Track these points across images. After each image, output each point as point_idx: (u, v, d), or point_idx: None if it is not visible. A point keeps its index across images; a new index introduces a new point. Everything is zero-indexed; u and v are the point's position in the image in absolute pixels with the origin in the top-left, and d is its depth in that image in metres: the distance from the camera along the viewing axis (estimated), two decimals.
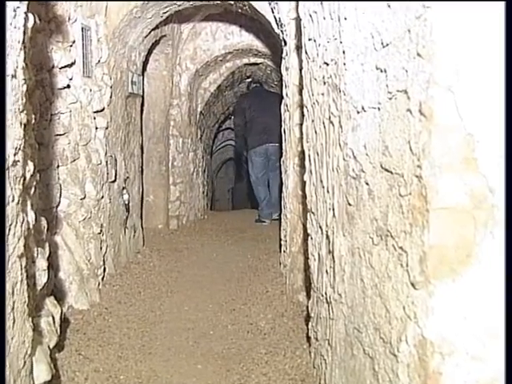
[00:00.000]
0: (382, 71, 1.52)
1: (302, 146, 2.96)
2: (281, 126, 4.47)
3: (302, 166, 3.37)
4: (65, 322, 3.32)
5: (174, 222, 6.75)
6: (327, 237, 2.29)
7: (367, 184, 1.69)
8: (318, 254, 2.54)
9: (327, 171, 2.27)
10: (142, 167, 5.61)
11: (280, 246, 4.69)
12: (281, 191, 4.54)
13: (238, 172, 12.04)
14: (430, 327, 1.27)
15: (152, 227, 6.42)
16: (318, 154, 2.48)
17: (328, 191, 2.26)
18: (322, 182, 2.40)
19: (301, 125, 3.24)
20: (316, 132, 2.50)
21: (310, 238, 2.79)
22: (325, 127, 2.30)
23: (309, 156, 2.73)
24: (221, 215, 8.50)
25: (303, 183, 3.01)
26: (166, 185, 6.66)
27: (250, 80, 8.17)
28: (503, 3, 1.19)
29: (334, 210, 2.14)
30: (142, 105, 5.79)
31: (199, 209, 7.90)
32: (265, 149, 7.31)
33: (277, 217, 7.12)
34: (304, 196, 3.05)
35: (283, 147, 4.29)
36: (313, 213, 2.68)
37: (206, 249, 5.81)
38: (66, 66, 3.65)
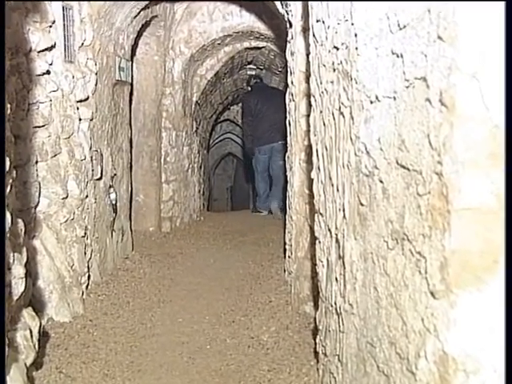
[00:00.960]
0: (398, 56, 1.52)
1: (309, 140, 2.96)
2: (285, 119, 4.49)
3: (309, 162, 3.36)
4: (44, 336, 3.32)
5: (166, 224, 6.76)
6: (337, 240, 2.29)
7: (381, 182, 1.69)
8: (327, 260, 2.54)
9: (337, 168, 2.27)
10: (130, 163, 5.62)
11: (284, 250, 4.69)
12: (285, 189, 4.55)
13: (246, 172, 12.66)
14: (452, 341, 1.27)
15: (142, 230, 6.43)
16: (326, 149, 2.47)
17: (338, 190, 2.26)
18: (331, 179, 2.40)
19: (308, 116, 3.24)
20: (324, 124, 2.50)
21: (317, 241, 2.79)
22: (334, 119, 2.29)
23: (316, 151, 2.73)
24: (219, 217, 8.51)
25: (310, 181, 3.00)
26: (158, 183, 6.67)
27: (250, 74, 8.72)
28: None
29: (344, 210, 2.14)
30: (131, 94, 5.79)
31: (195, 209, 7.91)
32: (270, 147, 8.33)
33: (280, 216, 7.92)
34: (311, 195, 3.05)
35: (288, 141, 4.30)
36: (321, 214, 2.68)
37: (203, 254, 5.82)
38: (45, 50, 3.64)
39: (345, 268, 2.13)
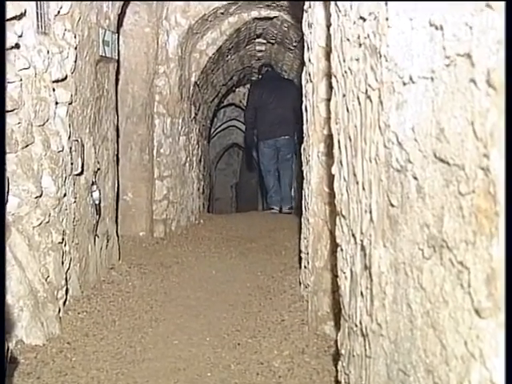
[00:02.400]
0: (437, 28, 1.52)
1: (330, 129, 2.95)
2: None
3: (330, 154, 3.36)
4: (12, 362, 3.33)
5: (159, 228, 6.78)
6: (362, 248, 2.29)
7: (416, 179, 1.69)
8: (351, 271, 2.54)
9: (363, 162, 2.27)
10: (117, 156, 5.64)
11: (300, 260, 4.70)
12: (301, 187, 4.55)
13: (248, 165, 13.34)
14: (501, 369, 1.27)
15: (131, 235, 6.45)
16: (350, 140, 2.47)
17: (363, 188, 2.26)
18: (355, 175, 2.40)
19: (328, 100, 3.24)
20: (348, 110, 2.50)
21: (339, 249, 2.79)
22: (360, 104, 2.29)
23: (338, 142, 2.73)
24: (221, 219, 8.52)
25: (331, 177, 3.00)
26: (150, 179, 6.69)
27: (260, 63, 9.47)
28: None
29: (371, 212, 2.14)
30: (118, 73, 5.80)
31: (193, 211, 7.93)
32: (274, 141, 9.18)
33: (288, 210, 9.25)
34: (332, 194, 3.05)
35: (304, 130, 4.30)
36: (343, 216, 2.68)
37: (203, 263, 5.84)
38: (13, 18, 3.62)
39: (372, 281, 2.13)
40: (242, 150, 14.64)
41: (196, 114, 8.16)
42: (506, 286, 1.25)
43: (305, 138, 4.30)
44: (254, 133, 9.43)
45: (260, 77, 9.58)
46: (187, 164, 7.59)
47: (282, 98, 8.98)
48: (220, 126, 13.28)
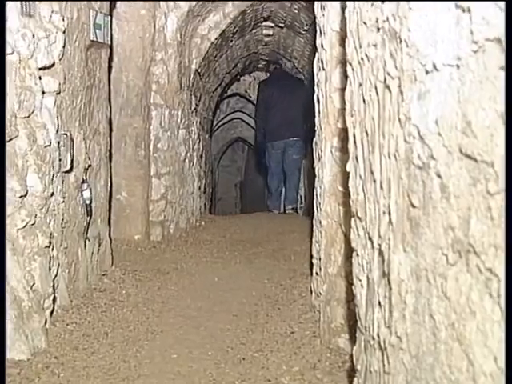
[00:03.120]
0: (464, 11, 1.51)
1: (345, 122, 2.95)
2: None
3: (344, 150, 3.35)
4: None
5: (156, 230, 6.79)
6: (380, 253, 2.29)
7: (439, 176, 1.68)
8: (367, 279, 2.54)
9: (381, 158, 2.26)
10: (110, 151, 5.64)
11: (311, 266, 4.69)
12: (313, 187, 4.55)
13: (258, 165, 13.93)
14: None
15: (125, 238, 6.47)
16: (367, 134, 2.47)
17: (381, 187, 2.26)
18: (372, 173, 2.39)
19: (343, 90, 3.23)
20: (365, 101, 2.50)
21: (354, 254, 2.78)
22: (378, 94, 2.29)
23: (354, 136, 2.73)
24: (225, 221, 8.54)
25: (345, 175, 3.00)
26: (146, 177, 6.70)
27: (267, 33, 9.60)
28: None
29: (390, 214, 2.14)
30: (111, 59, 5.80)
31: (194, 212, 7.94)
32: (283, 143, 9.90)
33: (290, 210, 10.05)
34: (346, 194, 3.04)
35: (316, 123, 4.30)
36: (359, 218, 2.68)
37: (204, 270, 5.84)
38: None
39: (391, 289, 2.13)
40: (248, 146, 14.69)
41: (197, 105, 8.17)
42: None
43: (317, 132, 4.30)
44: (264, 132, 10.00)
45: (268, 74, 10.37)
46: (187, 160, 7.61)
47: (291, 98, 9.56)
48: (223, 119, 13.30)
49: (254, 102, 10.96)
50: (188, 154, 7.64)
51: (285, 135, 9.83)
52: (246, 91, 12.23)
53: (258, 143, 10.75)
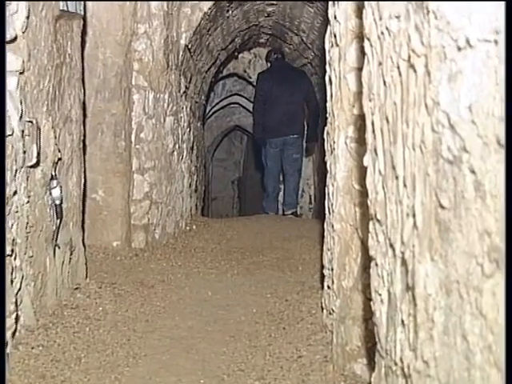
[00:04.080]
0: None
1: (362, 107, 2.95)
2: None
3: (361, 141, 3.35)
4: None
5: (139, 236, 6.79)
6: (403, 262, 2.30)
7: (473, 172, 1.69)
8: (388, 293, 2.54)
9: (404, 150, 2.27)
10: (84, 142, 5.63)
11: (322, 278, 4.69)
12: (324, 185, 4.55)
13: (257, 162, 14.41)
14: None
15: (102, 245, 6.46)
16: (388, 121, 2.48)
17: (405, 185, 2.27)
18: (394, 168, 2.40)
19: (359, 70, 3.23)
20: (385, 83, 2.50)
21: (373, 264, 2.79)
22: (401, 75, 2.29)
23: (372, 124, 2.73)
24: (220, 225, 8.54)
25: (362, 171, 3.00)
26: (127, 173, 6.70)
27: (269, 34, 10.79)
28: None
29: (414, 216, 2.14)
30: (84, 33, 5.80)
31: (183, 214, 7.94)
32: (282, 140, 10.54)
33: (290, 214, 10.56)
34: (364, 193, 3.05)
35: (328, 109, 4.30)
36: (378, 221, 2.68)
37: (196, 283, 5.84)
38: None
39: (416, 305, 2.13)
40: (248, 136, 14.75)
41: (187, 88, 8.17)
42: None
43: (328, 119, 4.29)
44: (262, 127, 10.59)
45: (269, 65, 10.84)
46: (175, 153, 7.60)
47: (292, 93, 10.32)
48: (218, 103, 13.30)
49: (255, 85, 11.14)
50: (176, 146, 7.63)
51: (284, 132, 10.44)
52: (244, 71, 12.24)
53: (257, 138, 11.19)
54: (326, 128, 4.40)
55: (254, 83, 11.25)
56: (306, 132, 10.99)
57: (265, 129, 10.56)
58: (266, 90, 10.40)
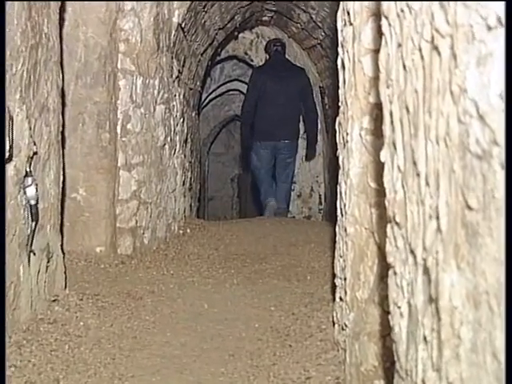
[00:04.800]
0: None
1: (379, 95, 2.96)
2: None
3: (378, 133, 3.36)
4: None
5: (126, 241, 6.80)
6: (426, 271, 2.30)
7: (505, 168, 1.69)
8: (409, 305, 2.55)
9: (426, 144, 2.27)
10: (63, 134, 5.63)
11: (333, 288, 4.70)
12: (335, 182, 4.55)
13: (244, 164, 15.13)
14: None
15: (83, 251, 6.47)
16: (408, 111, 2.48)
17: (427, 183, 2.27)
18: (415, 164, 2.40)
19: (376, 52, 3.24)
20: (405, 67, 2.51)
21: (392, 272, 2.79)
22: (423, 58, 2.30)
23: (391, 114, 2.74)
24: (218, 228, 8.55)
25: (379, 167, 3.00)
26: (112, 169, 6.70)
27: (274, 11, 11.05)
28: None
29: (438, 218, 2.15)
30: (63, 10, 5.79)
31: (176, 216, 7.95)
32: (273, 144, 10.83)
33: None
34: (381, 192, 3.05)
35: (340, 96, 4.30)
36: (397, 224, 2.68)
37: (190, 294, 5.85)
38: None
39: (440, 319, 2.14)
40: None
41: (180, 72, 8.17)
42: None
43: (341, 108, 4.29)
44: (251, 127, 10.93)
45: (268, 57, 11.09)
46: (167, 146, 7.61)
47: (288, 92, 10.56)
48: (215, 90, 13.31)
49: (242, 105, 11.40)
50: (168, 139, 7.63)
51: (276, 136, 10.74)
52: (245, 53, 12.25)
53: (243, 140, 11.51)
54: (337, 118, 4.40)
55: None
56: (306, 146, 11.47)
57: (255, 130, 10.83)
58: (259, 86, 10.59)
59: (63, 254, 5.64)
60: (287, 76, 10.61)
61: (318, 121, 11.34)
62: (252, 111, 10.69)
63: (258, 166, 11.14)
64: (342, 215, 4.30)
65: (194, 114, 10.09)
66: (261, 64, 11.58)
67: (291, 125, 10.75)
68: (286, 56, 11.30)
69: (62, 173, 5.58)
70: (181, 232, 7.93)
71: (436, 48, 2.16)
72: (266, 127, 10.62)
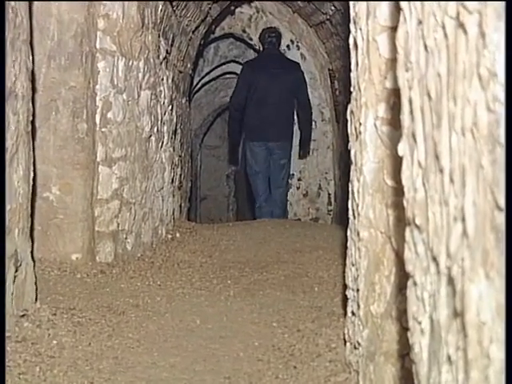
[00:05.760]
0: None
1: (396, 80, 2.97)
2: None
3: (395, 123, 3.36)
4: None
5: (106, 246, 6.80)
6: (450, 281, 2.31)
7: None
8: (431, 320, 2.56)
9: (450, 135, 2.28)
10: (33, 124, 5.64)
11: (344, 301, 4.70)
12: (347, 180, 4.55)
13: (231, 158, 15.62)
14: None
15: (57, 259, 6.46)
16: (430, 98, 2.49)
17: (452, 180, 2.28)
18: (438, 159, 2.41)
19: (393, 30, 3.25)
20: (427, 48, 2.51)
21: (411, 283, 2.80)
22: (447, 37, 2.31)
23: (410, 101, 2.75)
24: (212, 232, 8.56)
25: (397, 162, 3.01)
26: (90, 164, 6.70)
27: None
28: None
29: (464, 220, 2.15)
30: None
31: (163, 218, 7.96)
32: (264, 145, 11.29)
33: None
34: (399, 190, 3.06)
35: (352, 81, 4.30)
36: (418, 227, 2.69)
37: (180, 308, 5.85)
38: None
39: (467, 336, 2.14)
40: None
41: (168, 53, 8.18)
42: None
43: (353, 94, 4.29)
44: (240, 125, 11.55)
45: (262, 49, 11.60)
46: (153, 138, 7.61)
47: (281, 90, 10.99)
48: (209, 73, 13.31)
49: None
50: (155, 129, 7.63)
51: (269, 136, 11.20)
52: (243, 31, 12.24)
53: (231, 137, 12.12)
54: (349, 106, 4.40)
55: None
56: (299, 143, 11.80)
57: (246, 129, 11.47)
58: (249, 82, 11.03)
59: (34, 262, 5.63)
60: (280, 73, 10.95)
61: (313, 117, 11.74)
62: (241, 108, 11.11)
63: (254, 166, 11.56)
64: (355, 217, 4.30)
65: (184, 101, 10.09)
66: (251, 59, 12.07)
67: (284, 125, 11.10)
68: (291, 55, 11.90)
69: (32, 169, 5.58)
70: (169, 237, 7.94)
71: (462, 26, 2.17)
72: (257, 127, 11.04)
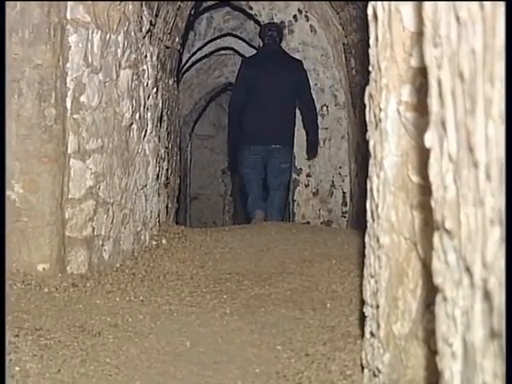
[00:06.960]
0: None
1: (422, 57, 2.98)
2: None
3: (421, 109, 3.38)
4: None
5: (78, 255, 6.80)
6: (487, 295, 2.32)
7: None
8: (464, 342, 2.56)
9: (487, 124, 2.29)
10: None
11: (362, 319, 4.71)
12: (365, 177, 4.56)
13: (231, 164, 15.50)
14: None
15: (20, 270, 6.46)
16: (462, 79, 2.50)
17: (488, 176, 2.28)
18: (471, 151, 2.42)
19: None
20: (459, 20, 2.52)
21: (440, 298, 2.81)
22: (482, 7, 2.32)
23: (439, 83, 2.76)
24: (204, 238, 8.58)
25: (423, 154, 3.03)
26: (60, 157, 6.70)
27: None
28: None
29: (502, 224, 2.16)
30: None
31: (147, 221, 7.97)
32: (263, 148, 11.87)
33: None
34: (426, 188, 3.07)
35: (371, 60, 4.30)
36: (448, 232, 2.70)
37: (166, 328, 5.85)
38: None
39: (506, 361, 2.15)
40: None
41: (152, 25, 8.19)
42: None
43: (372, 75, 4.29)
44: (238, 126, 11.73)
45: (261, 44, 12.10)
46: (135, 127, 7.62)
47: (282, 90, 11.47)
48: (201, 49, 13.31)
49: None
50: (136, 116, 7.63)
51: (267, 140, 11.77)
52: None
53: (231, 138, 12.70)
54: (367, 88, 4.40)
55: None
56: (306, 146, 12.16)
57: (244, 131, 11.87)
58: (248, 81, 11.60)
59: None
60: (281, 71, 11.40)
61: (318, 117, 12.05)
62: (240, 109, 11.62)
63: (245, 171, 12.24)
64: (374, 220, 4.30)
65: (171, 82, 10.10)
66: (250, 55, 12.42)
67: (284, 127, 11.54)
68: (293, 50, 12.28)
69: None
70: (154, 243, 7.94)
71: None
72: (256, 129, 11.51)
